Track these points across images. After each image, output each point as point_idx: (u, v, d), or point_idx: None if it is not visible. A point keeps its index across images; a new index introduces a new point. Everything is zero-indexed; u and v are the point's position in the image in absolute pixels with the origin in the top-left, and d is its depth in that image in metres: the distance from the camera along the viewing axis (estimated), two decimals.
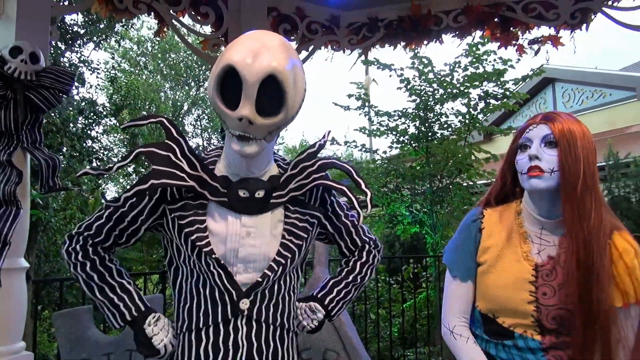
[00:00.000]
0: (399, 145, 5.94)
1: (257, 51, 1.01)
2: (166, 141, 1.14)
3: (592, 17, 2.89)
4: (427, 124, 5.71)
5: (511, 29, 3.11)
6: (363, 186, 1.21)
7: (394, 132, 5.82)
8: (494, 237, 1.29)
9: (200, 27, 3.09)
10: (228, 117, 1.04)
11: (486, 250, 1.29)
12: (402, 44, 3.34)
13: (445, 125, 5.77)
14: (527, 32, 3.14)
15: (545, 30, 3.11)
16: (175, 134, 1.15)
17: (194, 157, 1.16)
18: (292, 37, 3.15)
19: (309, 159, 1.23)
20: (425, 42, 3.30)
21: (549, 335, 1.18)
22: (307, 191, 1.22)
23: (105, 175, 1.12)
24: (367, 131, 5.95)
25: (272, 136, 1.11)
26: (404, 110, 5.74)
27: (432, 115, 5.72)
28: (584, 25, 2.93)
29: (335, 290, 1.35)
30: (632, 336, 1.15)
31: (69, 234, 1.20)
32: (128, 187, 1.22)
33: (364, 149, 6.06)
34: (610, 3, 2.71)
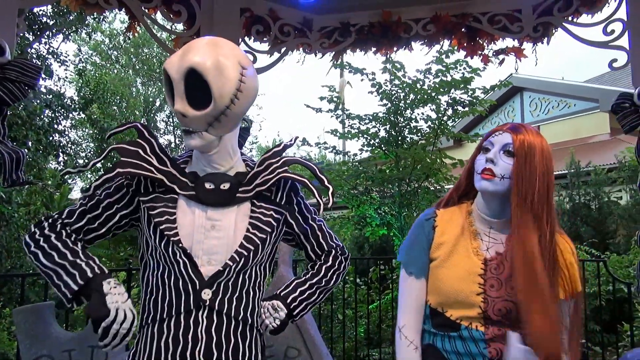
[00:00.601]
0: (369, 148, 6.02)
1: (184, 51, 1.12)
2: (137, 140, 1.21)
3: (554, 31, 3.02)
4: (397, 128, 5.82)
5: (477, 39, 3.21)
6: (326, 182, 1.29)
7: (365, 136, 5.90)
8: (446, 234, 1.37)
9: (172, 24, 3.08)
10: (174, 109, 1.14)
11: (439, 247, 1.37)
12: (373, 49, 3.41)
13: (415, 130, 5.89)
14: (493, 43, 3.25)
15: (509, 42, 3.23)
16: (146, 135, 1.23)
17: (164, 155, 1.22)
18: (265, 39, 3.17)
19: (274, 156, 1.30)
20: (395, 49, 3.38)
21: (492, 326, 1.26)
22: (273, 187, 1.28)
23: (83, 172, 1.19)
24: (338, 134, 6.02)
25: (214, 129, 1.17)
26: (375, 114, 5.83)
27: (402, 119, 5.82)
28: (546, 38, 3.06)
29: (299, 290, 1.38)
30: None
31: (37, 220, 1.24)
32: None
33: (334, 151, 6.12)
34: (570, 19, 2.83)
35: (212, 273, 1.18)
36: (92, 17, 9.78)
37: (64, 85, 10.72)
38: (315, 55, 3.39)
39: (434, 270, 1.37)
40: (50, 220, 1.22)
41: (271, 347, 2.23)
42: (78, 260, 1.16)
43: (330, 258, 1.43)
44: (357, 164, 6.12)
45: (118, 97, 14.26)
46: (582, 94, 12.53)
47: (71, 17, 8.65)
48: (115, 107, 13.67)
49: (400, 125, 5.83)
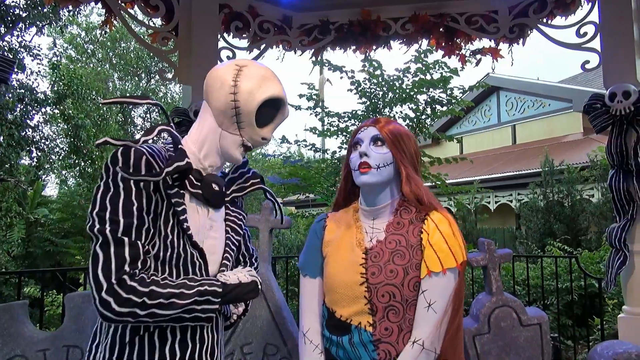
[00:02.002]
0: None
1: (263, 82, 1.20)
2: (171, 124, 1.20)
3: (529, 32, 3.08)
4: None
5: (455, 39, 3.26)
6: (278, 204, 1.42)
7: (344, 133, 5.93)
8: (334, 232, 1.45)
9: (150, 19, 3.04)
10: (255, 132, 1.19)
11: (328, 244, 1.45)
12: (353, 47, 3.43)
13: None
14: (470, 43, 3.30)
15: (486, 42, 3.29)
16: (172, 122, 1.23)
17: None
18: (244, 35, 3.16)
19: (244, 166, 1.35)
20: (374, 47, 3.40)
21: (380, 324, 1.28)
22: (245, 194, 1.33)
23: (131, 148, 1.07)
24: (317, 132, 6.03)
25: None
26: (353, 112, 5.85)
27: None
28: (521, 39, 3.12)
29: None
30: (444, 300, 1.26)
31: (108, 288, 1.01)
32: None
33: (313, 149, 6.13)
34: (545, 21, 2.89)
35: (212, 273, 1.20)
36: (67, 9, 9.58)
37: (36, 79, 10.42)
38: (295, 53, 3.39)
39: (325, 268, 1.42)
40: (126, 284, 1.02)
41: (250, 344, 2.23)
42: (201, 288, 1.10)
43: (253, 260, 1.50)
44: (336, 161, 6.13)
45: (94, 92, 13.98)
46: (556, 94, 12.80)
47: (45, 10, 8.44)
48: (90, 103, 13.39)
49: None
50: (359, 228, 1.40)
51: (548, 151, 8.74)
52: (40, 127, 10.95)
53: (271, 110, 1.21)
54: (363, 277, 1.31)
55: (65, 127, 12.38)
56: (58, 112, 11.58)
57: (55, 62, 11.86)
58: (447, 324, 1.27)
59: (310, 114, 5.99)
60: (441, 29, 3.17)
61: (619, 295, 4.38)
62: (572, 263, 4.19)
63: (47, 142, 11.22)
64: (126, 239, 1.03)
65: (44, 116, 11.62)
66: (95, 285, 1.01)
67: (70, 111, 11.63)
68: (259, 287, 1.22)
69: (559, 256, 5.07)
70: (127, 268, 1.02)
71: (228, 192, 1.28)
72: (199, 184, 1.19)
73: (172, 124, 1.19)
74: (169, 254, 1.12)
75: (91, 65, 17.84)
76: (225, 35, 3.16)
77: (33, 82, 10.03)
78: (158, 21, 3.05)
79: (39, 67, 10.80)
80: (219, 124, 1.20)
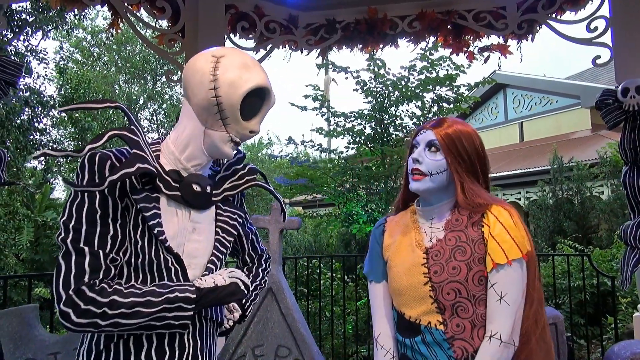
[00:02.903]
0: (355, 146, 6.02)
1: (245, 71, 1.14)
2: (131, 127, 1.12)
3: (538, 28, 3.04)
4: (382, 125, 5.83)
5: (463, 36, 3.23)
6: (281, 201, 1.38)
7: (351, 133, 5.90)
8: (393, 235, 1.42)
9: (156, 21, 3.03)
10: (242, 126, 1.13)
11: (388, 248, 1.42)
12: (359, 46, 3.40)
13: (400, 127, 5.91)
14: (478, 40, 3.27)
15: (495, 39, 3.25)
16: (134, 120, 1.14)
17: (147, 147, 1.14)
18: (251, 36, 3.15)
19: (239, 162, 1.30)
20: (381, 46, 3.38)
21: (450, 322, 1.26)
22: (239, 192, 1.28)
23: (96, 154, 1.04)
24: (324, 132, 6.01)
25: None
26: (360, 112, 5.83)
27: (387, 116, 5.83)
28: (530, 35, 3.08)
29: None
30: (515, 291, 1.23)
31: (66, 299, 1.00)
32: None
33: (320, 149, 6.11)
34: (554, 16, 2.86)
35: (194, 278, 1.15)
36: (72, 13, 9.63)
37: (43, 83, 10.47)
38: (302, 52, 3.37)
39: (388, 272, 1.40)
40: (87, 291, 1.00)
41: (262, 346, 2.22)
42: (170, 295, 1.05)
43: (263, 261, 1.47)
44: (343, 161, 6.11)
45: (100, 95, 14.04)
46: (564, 91, 12.68)
47: (51, 14, 8.47)
48: None
49: (385, 122, 5.84)
50: (417, 229, 1.39)
51: (557, 148, 8.66)
52: (48, 130, 11.01)
53: (256, 100, 1.14)
54: (426, 276, 1.29)
55: (73, 130, 12.44)
56: (65, 115, 11.63)
57: (62, 65, 11.92)
58: (521, 315, 1.24)
59: (317, 114, 5.97)
60: (449, 26, 3.14)
61: (632, 293, 4.33)
62: (584, 261, 4.14)
63: (55, 145, 11.27)
64: (87, 249, 1.02)
65: (52, 119, 11.67)
66: (56, 296, 1.01)
67: (77, 114, 11.68)
68: (242, 288, 1.15)
69: (571, 254, 5.02)
70: (86, 279, 1.01)
71: (219, 191, 1.23)
72: (178, 185, 1.15)
73: (134, 126, 1.12)
74: (140, 260, 1.09)
75: (97, 68, 17.92)
76: (231, 35, 3.15)
77: (40, 86, 10.10)
78: (164, 23, 3.05)
79: (45, 71, 10.84)
80: (203, 122, 1.13)
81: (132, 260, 1.09)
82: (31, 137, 9.24)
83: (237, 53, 1.14)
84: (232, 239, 1.25)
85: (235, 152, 1.23)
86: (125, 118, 1.15)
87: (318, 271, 5.43)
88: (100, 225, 1.04)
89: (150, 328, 1.05)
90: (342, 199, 5.87)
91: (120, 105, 1.13)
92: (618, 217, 6.86)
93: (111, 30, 2.89)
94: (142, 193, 1.09)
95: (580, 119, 12.35)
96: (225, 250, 1.22)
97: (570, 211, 7.66)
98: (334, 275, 6.25)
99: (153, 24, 3.14)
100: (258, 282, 1.43)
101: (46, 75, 10.48)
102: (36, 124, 9.51)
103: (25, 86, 9.59)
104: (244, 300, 1.37)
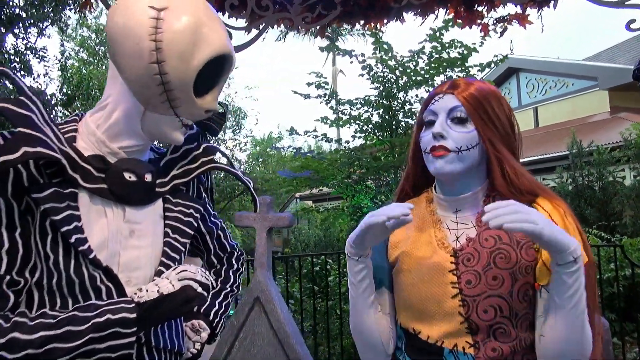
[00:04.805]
0: (362, 135, 5.73)
1: (198, 34, 0.85)
2: (21, 98, 0.82)
3: None
4: (391, 112, 5.52)
5: (476, 6, 2.91)
6: (251, 187, 1.06)
7: (357, 122, 5.61)
8: (403, 230, 1.07)
9: None
10: (195, 106, 0.84)
11: (396, 246, 1.08)
12: (361, 22, 3.10)
13: (410, 114, 5.59)
14: (493, 10, 2.95)
15: (511, 9, 2.93)
16: (27, 91, 0.83)
17: (55, 127, 0.85)
18: (242, 13, 2.87)
19: (191, 141, 1.01)
20: (385, 21, 3.07)
21: (484, 344, 0.94)
22: (193, 178, 0.99)
23: None
24: (328, 121, 5.71)
25: None
26: (366, 98, 5.52)
27: (396, 103, 5.52)
28: (552, 2, 2.75)
29: (217, 302, 1.12)
30: (575, 298, 0.87)
31: None
32: None
33: (325, 139, 5.82)
34: None
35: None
36: (72, 10, 9.41)
37: (44, 81, 10.33)
38: (298, 32, 3.16)
39: (395, 277, 1.07)
40: None
41: None
42: (98, 320, 0.79)
43: (234, 260, 1.19)
44: (350, 151, 5.81)
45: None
46: (580, 73, 12.25)
47: (45, 10, 8.24)
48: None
49: (394, 109, 5.53)
50: (437, 223, 1.05)
51: (575, 133, 8.27)
52: None
53: (212, 68, 0.85)
54: (455, 287, 0.96)
55: None
56: (68, 113, 11.48)
57: (63, 63, 11.76)
58: None
59: (321, 102, 5.66)
60: None
61: None
62: (616, 252, 3.81)
63: None
64: None
65: (57, 118, 11.54)
66: None
67: (82, 112, 11.55)
68: (199, 290, 0.86)
69: (602, 245, 4.65)
70: None
71: (166, 180, 0.95)
72: (103, 175, 0.85)
73: (25, 97, 0.81)
74: (55, 280, 0.80)
75: (103, 67, 17.78)
76: (219, 14, 2.87)
77: (41, 85, 9.94)
78: None
79: (45, 69, 10.68)
80: (142, 102, 0.84)
81: (45, 281, 0.81)
82: None
83: (185, 5, 0.81)
84: (188, 240, 0.96)
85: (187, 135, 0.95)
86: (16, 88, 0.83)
87: (326, 268, 5.17)
88: None
89: None
90: (350, 192, 5.59)
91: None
92: None
93: (84, 10, 2.62)
94: (47, 189, 0.79)
95: (598, 102, 11.90)
96: (178, 256, 0.93)
97: (592, 198, 7.29)
98: (343, 271, 5.98)
99: None
100: (229, 289, 1.14)
101: (47, 73, 10.32)
102: None
103: (27, 86, 9.44)
104: (211, 314, 1.08)
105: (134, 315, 0.79)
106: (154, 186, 0.92)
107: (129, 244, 0.88)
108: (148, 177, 0.90)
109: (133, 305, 0.81)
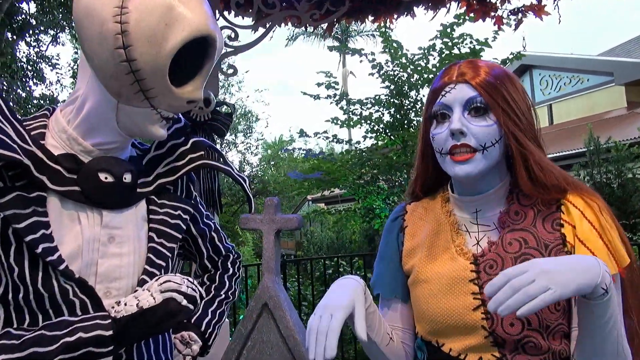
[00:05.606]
0: (373, 135, 5.64)
1: (174, 15, 0.77)
2: None
3: None
4: (402, 111, 5.42)
5: None
6: (246, 187, 0.97)
7: (368, 121, 5.52)
8: (418, 236, 0.99)
9: None
10: (174, 96, 0.76)
11: (411, 254, 0.99)
12: (370, 18, 3.03)
13: (422, 112, 5.48)
14: (507, 2, 2.86)
15: (526, 0, 2.84)
16: None
17: (19, 124, 0.77)
18: (248, 12, 2.81)
19: (178, 136, 0.92)
20: (395, 16, 2.99)
21: (512, 359, 0.85)
22: (180, 177, 0.91)
23: None
24: (338, 121, 5.62)
25: None
26: (377, 97, 5.43)
27: (407, 101, 5.42)
28: None
29: (210, 311, 1.04)
30: (608, 326, 0.77)
31: None
32: None
33: (335, 140, 5.74)
34: None
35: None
36: None
37: (56, 89, 10.41)
38: (306, 29, 3.02)
39: (412, 289, 0.97)
40: None
41: None
42: (70, 339, 0.71)
43: (229, 264, 1.11)
44: (361, 152, 5.72)
45: None
46: (595, 68, 12.04)
47: (57, 16, 8.30)
48: None
49: (405, 107, 5.43)
50: (454, 226, 0.95)
51: (592, 129, 8.09)
52: None
53: (193, 53, 0.76)
54: (477, 299, 0.87)
55: None
56: None
57: (75, 70, 11.87)
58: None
59: (330, 102, 5.58)
60: None
61: None
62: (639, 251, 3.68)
63: None
64: None
65: None
66: None
67: (53, 106, 11.68)
68: (184, 303, 0.76)
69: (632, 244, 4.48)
70: None
71: (149, 179, 0.86)
72: (75, 176, 0.77)
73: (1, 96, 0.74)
74: (22, 295, 0.72)
75: None
76: (225, 13, 2.81)
77: (54, 92, 10.03)
78: None
79: (57, 76, 10.79)
80: (113, 94, 0.75)
81: (10, 295, 0.73)
82: None
83: None
84: (175, 245, 0.88)
85: (169, 127, 0.86)
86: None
87: (339, 270, 5.08)
88: None
89: None
90: (362, 193, 5.49)
91: None
92: None
93: None
94: (9, 194, 0.72)
95: (615, 97, 11.68)
96: (164, 263, 0.85)
97: (611, 195, 7.11)
98: (357, 273, 5.89)
99: None
100: (224, 295, 1.06)
101: (59, 80, 10.41)
102: None
103: (40, 93, 9.54)
104: (203, 324, 1.00)
105: (110, 332, 0.72)
106: (135, 187, 0.84)
107: (108, 251, 0.79)
108: (127, 178, 0.81)
109: (109, 321, 0.73)
